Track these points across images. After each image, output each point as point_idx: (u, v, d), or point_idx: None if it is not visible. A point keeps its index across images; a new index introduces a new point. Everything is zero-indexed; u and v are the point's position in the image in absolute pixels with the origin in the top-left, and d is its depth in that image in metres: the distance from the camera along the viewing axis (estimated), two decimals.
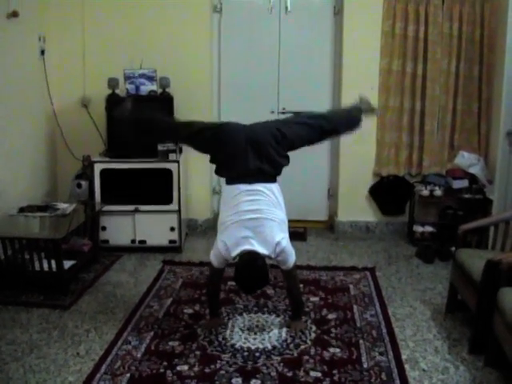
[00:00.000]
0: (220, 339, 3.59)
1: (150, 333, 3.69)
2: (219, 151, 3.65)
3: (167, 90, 5.37)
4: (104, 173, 5.20)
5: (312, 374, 3.19)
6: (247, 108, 5.72)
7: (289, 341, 3.57)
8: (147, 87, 5.34)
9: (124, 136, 4.56)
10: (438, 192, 5.49)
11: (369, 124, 5.66)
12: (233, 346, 3.51)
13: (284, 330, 3.73)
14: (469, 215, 5.15)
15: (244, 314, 3.98)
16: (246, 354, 3.41)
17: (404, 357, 3.39)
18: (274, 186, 3.61)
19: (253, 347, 3.49)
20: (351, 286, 4.51)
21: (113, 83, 5.29)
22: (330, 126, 3.82)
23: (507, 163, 4.60)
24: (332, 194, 6.14)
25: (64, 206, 4.91)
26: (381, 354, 3.42)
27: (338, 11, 5.76)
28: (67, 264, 4.41)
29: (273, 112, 5.87)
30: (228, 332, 3.70)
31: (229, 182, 3.63)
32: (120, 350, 3.46)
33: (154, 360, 3.34)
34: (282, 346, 3.51)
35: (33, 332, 3.71)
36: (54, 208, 4.87)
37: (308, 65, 5.87)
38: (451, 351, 3.48)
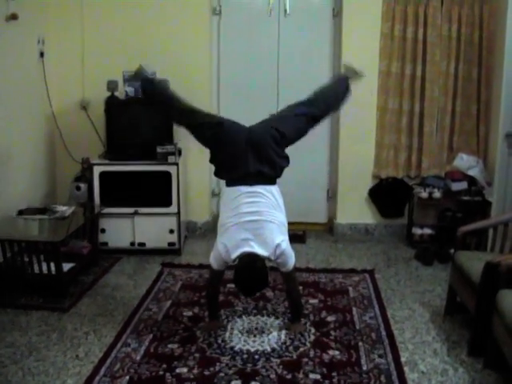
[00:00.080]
0: (219, 342, 3.59)
1: (149, 335, 3.69)
2: (219, 151, 3.65)
3: None
4: (103, 175, 5.20)
5: (311, 376, 3.19)
6: (246, 110, 5.69)
7: (288, 343, 3.57)
8: None
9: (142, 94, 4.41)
10: (437, 194, 5.49)
11: (368, 126, 5.70)
12: (232, 348, 3.51)
13: (283, 332, 3.73)
14: (468, 217, 5.14)
15: (243, 317, 3.98)
16: (245, 356, 3.41)
17: (403, 359, 3.39)
18: (274, 188, 3.61)
19: (252, 349, 3.49)
20: (350, 289, 4.51)
21: (112, 85, 5.30)
22: (322, 111, 3.84)
23: (506, 165, 4.61)
24: (331, 196, 6.13)
25: (63, 209, 4.91)
26: (380, 356, 3.42)
27: (337, 13, 5.76)
28: (66, 266, 4.40)
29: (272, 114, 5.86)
30: (227, 334, 3.70)
31: (229, 184, 3.63)
32: (119, 353, 3.46)
33: (153, 362, 3.34)
34: (282, 348, 3.51)
35: (32, 335, 3.71)
36: (53, 210, 4.87)
37: (307, 67, 5.87)
38: (450, 353, 3.48)
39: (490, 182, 5.23)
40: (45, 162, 5.63)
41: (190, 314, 4.03)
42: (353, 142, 5.75)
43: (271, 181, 3.60)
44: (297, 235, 5.68)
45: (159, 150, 5.17)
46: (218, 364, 3.32)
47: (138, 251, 5.31)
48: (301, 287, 4.28)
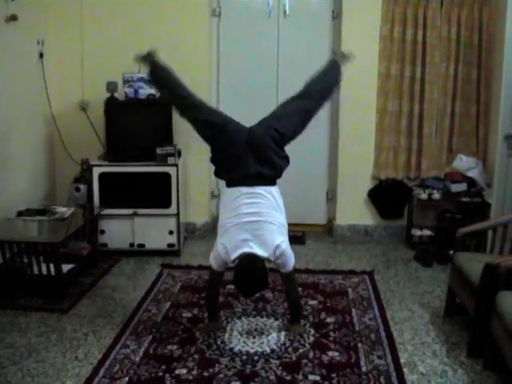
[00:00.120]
0: (219, 343, 3.59)
1: (148, 337, 3.69)
2: (219, 152, 3.66)
3: None
4: (102, 176, 5.20)
5: (310, 377, 3.19)
6: (246, 111, 5.68)
7: (287, 344, 3.57)
8: (146, 91, 5.34)
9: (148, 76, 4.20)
10: (437, 195, 5.49)
11: (368, 127, 5.70)
12: (231, 349, 3.51)
13: (283, 333, 3.73)
14: (467, 219, 5.15)
15: (243, 318, 3.97)
16: (244, 357, 3.41)
17: (402, 360, 3.39)
18: (274, 189, 3.61)
19: (251, 351, 3.49)
20: (350, 290, 4.51)
21: (111, 87, 5.30)
22: (318, 102, 3.84)
23: (505, 166, 4.61)
24: (331, 198, 6.14)
25: (62, 210, 4.91)
26: (379, 357, 3.42)
27: (337, 15, 5.77)
28: (66, 268, 4.40)
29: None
30: (227, 336, 3.70)
31: (229, 185, 3.64)
32: (118, 354, 3.46)
33: (152, 364, 3.34)
34: (281, 349, 3.51)
35: (31, 336, 3.71)
36: (52, 212, 4.87)
37: (306, 68, 5.79)
38: (450, 355, 3.48)
39: (490, 183, 5.23)
40: (44, 163, 5.63)
41: (189, 315, 4.03)
42: (352, 143, 5.75)
43: (271, 182, 3.60)
44: (296, 236, 5.68)
45: (159, 151, 5.17)
46: (217, 365, 3.31)
47: (138, 252, 5.31)
48: (300, 288, 4.28)
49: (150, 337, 3.69)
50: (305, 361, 3.37)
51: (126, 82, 5.32)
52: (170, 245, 5.31)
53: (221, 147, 3.64)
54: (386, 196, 5.77)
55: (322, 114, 5.93)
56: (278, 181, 3.68)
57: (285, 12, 5.79)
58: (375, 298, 4.35)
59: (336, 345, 3.57)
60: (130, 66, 5.33)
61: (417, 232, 5.61)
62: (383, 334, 3.73)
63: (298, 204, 5.86)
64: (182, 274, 4.87)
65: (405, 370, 3.28)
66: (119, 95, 5.37)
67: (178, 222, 5.28)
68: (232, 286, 4.21)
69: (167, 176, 5.19)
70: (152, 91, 5.33)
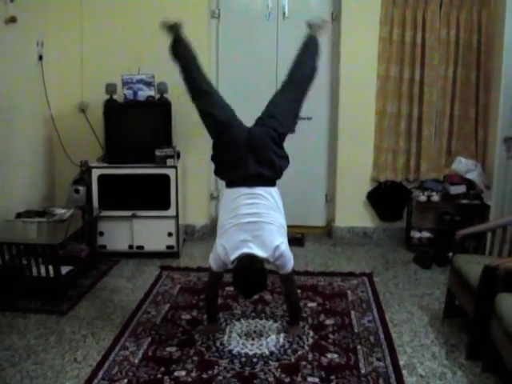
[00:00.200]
0: (218, 345, 3.59)
1: (147, 338, 3.69)
2: (220, 151, 3.67)
3: (165, 95, 5.37)
4: (102, 178, 5.20)
5: (309, 379, 3.19)
6: (245, 113, 5.70)
7: (286, 346, 3.57)
8: (145, 93, 5.34)
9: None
10: (436, 198, 5.50)
11: (367, 130, 5.70)
12: (230, 351, 3.50)
13: (282, 335, 3.73)
14: (466, 221, 5.14)
15: (242, 320, 3.97)
16: (243, 359, 3.40)
17: (402, 362, 3.39)
18: (274, 190, 3.61)
19: (250, 353, 3.48)
20: (349, 292, 4.51)
21: (111, 89, 5.29)
22: (305, 85, 3.86)
23: (504, 169, 4.61)
24: (330, 200, 6.14)
25: (62, 212, 4.91)
26: (378, 359, 3.42)
27: (336, 17, 5.77)
28: (65, 269, 4.40)
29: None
30: (226, 338, 3.69)
31: (229, 185, 3.64)
32: (117, 356, 3.45)
33: (151, 366, 3.33)
34: (280, 351, 3.51)
35: (30, 338, 3.71)
36: (51, 213, 4.87)
37: None
38: (449, 357, 3.48)
39: (489, 185, 5.23)
40: (43, 165, 5.62)
41: (188, 317, 4.03)
42: (351, 145, 5.75)
43: (271, 182, 3.61)
44: (295, 238, 5.67)
45: (158, 153, 5.17)
46: (216, 367, 3.31)
47: (137, 254, 5.31)
48: (299, 290, 4.28)
49: (149, 339, 3.68)
50: (304, 363, 3.37)
51: (125, 83, 5.32)
52: (169, 247, 5.31)
53: (222, 146, 3.65)
54: (385, 198, 5.77)
55: (322, 116, 5.99)
56: (278, 182, 3.68)
57: (284, 14, 5.80)
58: (374, 300, 4.35)
59: (335, 347, 3.57)
60: (130, 68, 5.36)
61: (416, 234, 5.61)
62: (382, 336, 3.73)
63: (298, 206, 5.86)
64: (181, 275, 4.87)
65: (404, 372, 3.28)
66: (118, 97, 5.36)
67: (177, 224, 5.28)
68: (231, 288, 4.24)
69: (166, 178, 5.19)
70: (151, 93, 5.34)
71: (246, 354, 3.46)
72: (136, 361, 3.39)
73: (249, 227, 3.42)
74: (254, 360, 3.39)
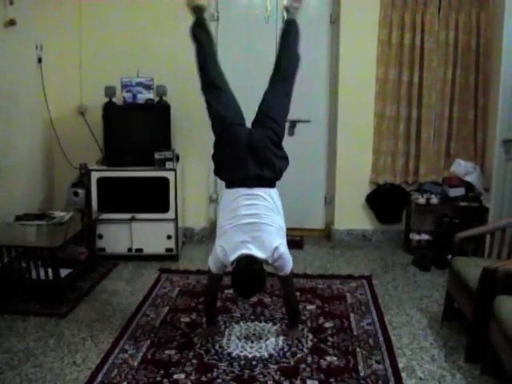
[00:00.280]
0: (217, 348, 3.59)
1: (146, 341, 3.69)
2: (220, 151, 3.69)
3: (164, 98, 5.37)
4: (101, 181, 5.20)
5: (309, 382, 3.19)
6: (244, 115, 5.72)
7: (285, 349, 3.57)
8: (144, 95, 5.35)
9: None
10: (435, 200, 5.50)
11: (366, 132, 5.70)
12: (229, 354, 3.50)
13: (281, 338, 3.73)
14: (465, 223, 5.15)
15: (241, 323, 3.97)
16: (242, 362, 3.41)
17: (401, 365, 3.39)
18: (273, 192, 3.61)
19: (249, 356, 3.48)
20: (348, 295, 4.51)
21: (110, 91, 5.30)
22: (291, 76, 3.88)
23: (503, 171, 4.62)
24: (329, 202, 6.14)
25: (61, 215, 4.92)
26: (377, 362, 3.42)
27: (335, 20, 5.78)
28: (64, 272, 4.40)
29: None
30: (225, 340, 3.69)
31: (229, 186, 3.64)
32: (116, 359, 3.45)
33: (150, 369, 3.33)
34: (279, 354, 3.51)
35: (29, 340, 3.70)
36: (50, 216, 4.88)
37: (304, 73, 5.76)
38: (448, 359, 3.48)
39: (488, 187, 5.24)
40: (42, 168, 5.63)
41: (187, 320, 4.03)
42: (350, 148, 5.75)
43: (271, 184, 3.61)
44: (294, 241, 5.67)
45: (157, 155, 5.17)
46: (215, 370, 3.31)
47: (136, 257, 5.31)
48: (298, 293, 4.29)
49: (148, 341, 3.68)
50: (303, 365, 3.37)
51: (124, 86, 5.33)
52: (168, 249, 5.31)
53: (223, 146, 3.66)
54: (384, 201, 5.77)
55: (321, 119, 5.99)
56: (277, 184, 3.68)
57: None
58: (373, 302, 4.35)
59: (334, 349, 3.57)
60: (129, 71, 5.36)
61: (415, 236, 5.61)
62: (381, 338, 3.73)
63: (297, 208, 5.86)
64: (180, 278, 4.87)
65: (403, 374, 3.28)
66: (117, 100, 5.36)
67: (176, 227, 5.28)
68: (230, 291, 4.25)
69: (165, 181, 5.19)
70: (150, 96, 5.34)
71: (246, 357, 3.46)
72: (135, 364, 3.39)
73: (248, 228, 3.42)
74: (254, 363, 3.39)
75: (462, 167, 5.51)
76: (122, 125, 5.33)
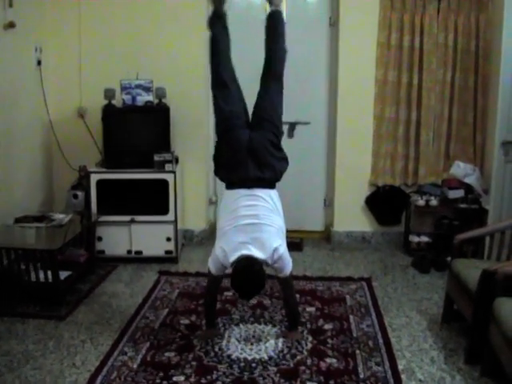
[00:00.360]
0: (216, 350, 3.59)
1: (146, 343, 3.68)
2: (221, 152, 3.69)
3: (163, 100, 5.37)
4: (100, 183, 5.20)
5: None
6: None
7: (285, 351, 3.57)
8: (143, 98, 5.34)
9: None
10: (434, 202, 5.50)
11: (365, 134, 5.71)
12: (229, 356, 3.50)
13: (280, 340, 3.72)
14: (464, 225, 5.15)
15: (240, 325, 3.97)
16: (242, 364, 3.40)
17: (400, 367, 3.39)
18: (273, 193, 3.62)
19: (249, 358, 3.48)
20: (347, 297, 4.51)
21: (109, 94, 5.30)
22: (281, 71, 3.88)
23: (502, 173, 4.63)
24: (328, 205, 6.14)
25: (60, 217, 4.91)
26: (377, 364, 3.42)
27: (334, 22, 5.78)
28: (63, 275, 4.40)
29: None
30: (224, 343, 3.69)
31: (229, 187, 3.65)
32: (116, 361, 3.45)
33: (150, 371, 3.33)
34: (279, 356, 3.50)
35: (28, 343, 3.70)
36: (50, 218, 4.87)
37: (304, 75, 5.87)
38: (447, 361, 3.48)
39: (487, 189, 5.24)
40: (42, 170, 5.63)
41: (187, 322, 4.03)
42: (350, 150, 5.75)
43: (271, 185, 3.62)
44: (294, 243, 5.65)
45: (156, 158, 5.17)
46: (215, 372, 3.31)
47: (135, 259, 5.31)
48: (298, 295, 4.29)
49: (148, 344, 3.68)
50: (303, 368, 3.37)
51: (123, 89, 5.33)
52: (167, 252, 5.31)
53: (223, 147, 3.67)
54: (384, 202, 5.77)
55: (320, 121, 6.00)
56: (277, 186, 3.69)
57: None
58: (373, 304, 4.35)
59: (334, 352, 3.57)
60: (128, 73, 5.36)
61: (414, 238, 5.61)
62: (381, 340, 3.73)
63: (296, 210, 5.86)
64: (179, 280, 4.86)
65: (403, 376, 3.28)
66: (117, 102, 5.36)
67: (175, 229, 5.27)
68: (230, 293, 4.25)
69: (165, 183, 5.19)
70: (150, 98, 5.34)
71: (245, 359, 3.46)
72: (134, 366, 3.39)
73: (248, 229, 3.42)
74: (253, 365, 3.39)
75: (461, 169, 5.51)
76: (121, 127, 5.33)
